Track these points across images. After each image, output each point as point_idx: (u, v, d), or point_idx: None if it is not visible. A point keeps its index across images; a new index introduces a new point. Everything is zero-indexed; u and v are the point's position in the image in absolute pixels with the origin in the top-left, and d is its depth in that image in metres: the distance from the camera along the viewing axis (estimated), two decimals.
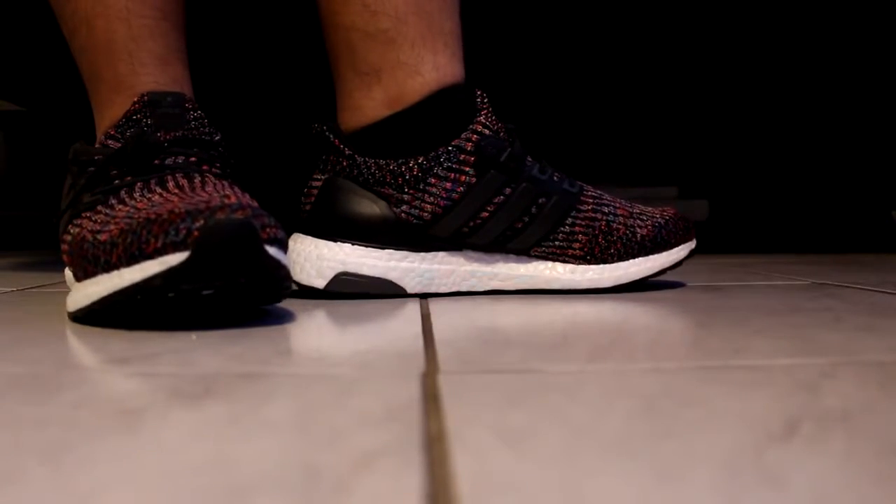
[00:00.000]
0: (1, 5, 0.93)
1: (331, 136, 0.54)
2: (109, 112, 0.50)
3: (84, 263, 0.42)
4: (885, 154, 1.36)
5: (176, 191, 0.43)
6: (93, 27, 0.50)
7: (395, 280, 0.53)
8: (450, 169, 0.53)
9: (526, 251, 0.55)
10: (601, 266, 0.55)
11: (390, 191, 0.53)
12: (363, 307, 0.49)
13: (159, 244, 0.37)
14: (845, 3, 1.07)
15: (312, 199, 0.54)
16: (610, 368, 0.30)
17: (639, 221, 0.57)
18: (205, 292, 0.38)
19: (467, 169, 0.53)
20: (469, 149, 0.53)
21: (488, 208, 0.53)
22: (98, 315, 0.40)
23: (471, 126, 0.54)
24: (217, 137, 0.49)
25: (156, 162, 0.46)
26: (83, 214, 0.45)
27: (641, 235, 0.56)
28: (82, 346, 0.37)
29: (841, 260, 0.92)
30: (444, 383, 0.27)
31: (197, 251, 0.36)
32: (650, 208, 0.59)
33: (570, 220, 0.55)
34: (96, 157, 0.46)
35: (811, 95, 1.29)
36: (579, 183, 0.57)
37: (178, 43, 0.52)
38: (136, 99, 0.48)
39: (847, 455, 0.19)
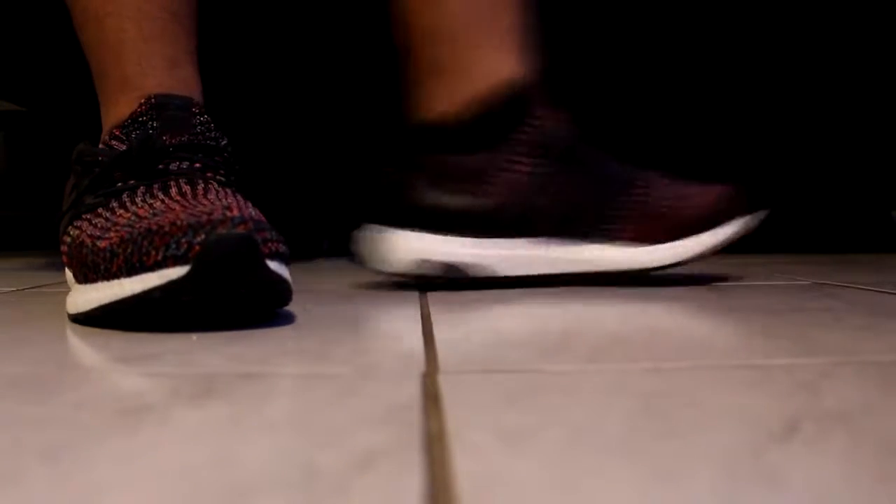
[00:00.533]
0: (1, 5, 0.93)
1: (399, 132, 0.59)
2: (115, 111, 0.50)
3: (83, 269, 0.42)
4: (886, 154, 1.36)
5: (178, 197, 0.42)
6: (103, 25, 0.50)
7: (464, 265, 0.57)
8: (510, 162, 0.57)
9: (584, 235, 0.58)
10: (654, 246, 0.58)
11: (457, 183, 0.57)
12: (363, 307, 0.49)
13: (160, 257, 0.37)
14: (849, 3, 1.07)
15: (384, 191, 0.59)
16: (610, 368, 0.30)
17: (689, 202, 0.58)
18: (205, 304, 0.38)
19: (525, 160, 0.57)
20: (527, 140, 0.57)
21: (547, 196, 0.57)
22: (98, 319, 0.40)
23: (529, 118, 0.57)
24: (223, 143, 0.49)
25: (160, 166, 0.46)
26: (83, 216, 0.45)
27: (695, 214, 0.58)
28: (82, 346, 0.37)
29: (841, 260, 0.92)
30: (444, 383, 0.27)
31: (197, 266, 0.36)
32: (702, 187, 0.60)
33: (622, 203, 0.57)
34: (101, 159, 0.46)
35: (810, 95, 1.29)
36: (631, 166, 0.59)
37: (188, 46, 0.52)
38: (142, 100, 0.48)
39: (847, 455, 0.19)
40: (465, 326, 0.41)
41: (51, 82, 1.14)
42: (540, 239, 0.58)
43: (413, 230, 0.57)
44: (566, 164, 0.57)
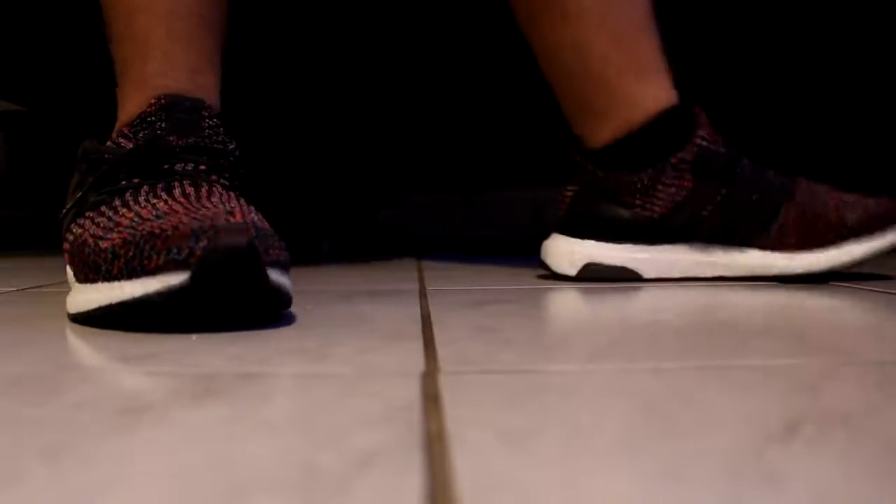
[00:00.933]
0: (1, 5, 0.93)
1: (577, 155, 0.65)
2: (127, 108, 0.50)
3: (84, 269, 0.42)
4: (885, 154, 1.36)
5: (181, 199, 0.42)
6: (131, 21, 0.50)
7: (632, 268, 0.63)
8: (674, 178, 0.62)
9: (745, 242, 0.62)
10: (815, 252, 0.61)
11: (626, 197, 0.63)
12: (363, 307, 0.49)
13: (161, 262, 0.37)
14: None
15: (566, 205, 0.65)
16: (610, 368, 0.30)
17: (850, 208, 0.62)
18: (204, 309, 0.38)
19: (688, 176, 0.62)
20: (689, 160, 0.62)
21: (708, 208, 0.61)
22: (97, 320, 0.40)
23: (690, 140, 0.62)
24: (230, 147, 0.49)
25: (165, 166, 0.46)
26: (86, 214, 0.45)
27: (852, 221, 0.61)
28: (82, 347, 0.37)
29: None
30: (444, 383, 0.27)
31: (198, 272, 0.36)
32: (863, 196, 0.64)
33: (782, 213, 0.61)
34: (107, 157, 0.46)
35: (810, 93, 1.29)
36: (791, 178, 0.63)
37: (213, 51, 0.52)
38: (153, 100, 0.48)
39: (847, 455, 0.19)
40: (465, 326, 0.41)
41: (51, 82, 1.14)
42: (703, 245, 0.63)
43: (585, 239, 0.64)
44: (725, 179, 0.62)
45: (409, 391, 0.26)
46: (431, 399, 0.25)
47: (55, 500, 0.17)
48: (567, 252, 0.64)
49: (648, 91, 0.63)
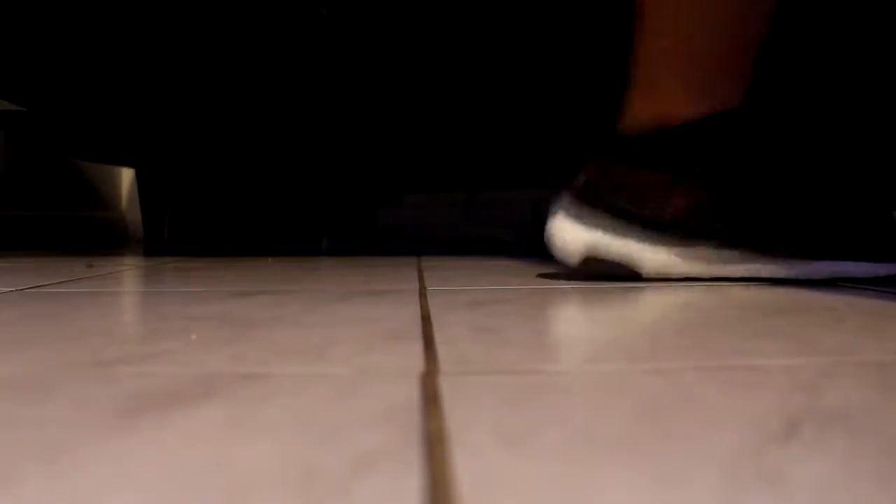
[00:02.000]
0: (1, 5, 0.93)
1: (601, 139, 0.64)
2: None
3: None
4: (885, 154, 1.36)
5: None
6: None
7: (633, 264, 0.62)
8: (692, 186, 0.61)
9: (758, 250, 0.62)
10: (827, 263, 0.62)
11: (640, 193, 0.62)
12: (363, 307, 0.49)
13: None
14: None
15: (578, 190, 0.63)
16: (610, 368, 0.30)
17: (872, 227, 0.64)
18: None
19: (706, 188, 0.61)
20: (712, 172, 0.61)
21: (722, 220, 0.61)
22: None
23: (718, 152, 0.61)
24: None
25: None
26: None
27: (869, 242, 0.63)
28: (81, 347, 0.37)
29: None
30: (444, 384, 0.27)
31: None
32: (880, 221, 0.66)
33: (798, 228, 0.62)
34: None
35: (815, 94, 1.29)
36: (815, 193, 0.65)
37: None
38: None
39: (848, 456, 0.19)
40: (465, 327, 0.40)
41: (51, 82, 1.14)
42: (711, 251, 0.62)
43: (590, 229, 0.62)
44: (746, 194, 0.62)
45: (409, 391, 0.26)
46: (431, 399, 0.25)
47: (54, 501, 0.17)
48: (571, 239, 0.64)
49: (714, 89, 0.62)
